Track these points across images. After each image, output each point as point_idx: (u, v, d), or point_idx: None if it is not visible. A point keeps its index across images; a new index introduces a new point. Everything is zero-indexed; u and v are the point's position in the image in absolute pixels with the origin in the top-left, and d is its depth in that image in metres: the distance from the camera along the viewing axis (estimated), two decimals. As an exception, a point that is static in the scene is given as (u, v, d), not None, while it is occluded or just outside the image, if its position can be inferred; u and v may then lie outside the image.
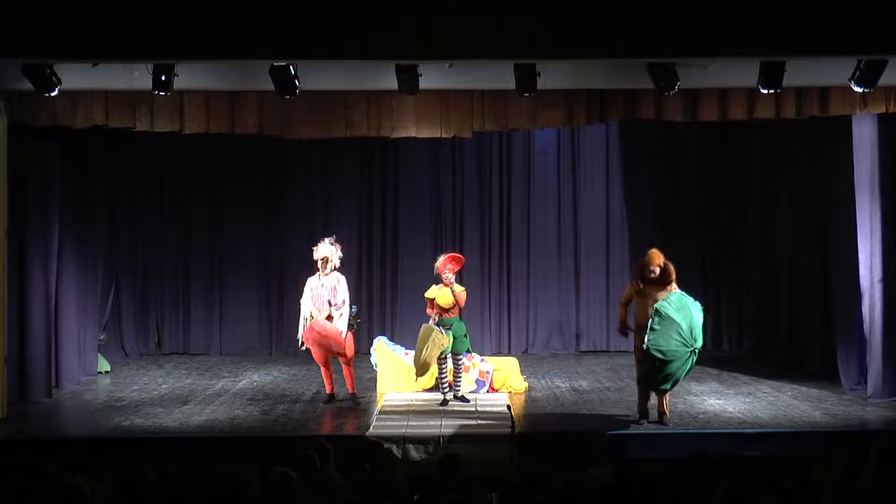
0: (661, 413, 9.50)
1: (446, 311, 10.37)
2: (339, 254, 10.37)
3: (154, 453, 8.51)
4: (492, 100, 10.31)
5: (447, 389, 10.55)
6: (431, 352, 10.27)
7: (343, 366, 10.43)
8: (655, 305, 9.21)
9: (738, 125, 11.91)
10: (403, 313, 14.07)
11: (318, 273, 10.32)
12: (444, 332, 10.33)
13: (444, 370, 10.53)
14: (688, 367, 9.30)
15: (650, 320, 9.17)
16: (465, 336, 10.56)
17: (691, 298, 9.37)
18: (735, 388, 11.38)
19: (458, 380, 10.65)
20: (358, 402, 10.45)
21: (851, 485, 5.42)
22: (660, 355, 9.11)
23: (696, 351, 9.23)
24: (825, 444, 8.61)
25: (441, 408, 10.30)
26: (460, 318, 10.68)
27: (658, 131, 13.82)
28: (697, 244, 14.41)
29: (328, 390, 10.64)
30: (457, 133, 10.62)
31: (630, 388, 10.27)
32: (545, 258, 14.48)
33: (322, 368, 10.55)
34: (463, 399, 10.55)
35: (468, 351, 10.77)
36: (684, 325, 9.10)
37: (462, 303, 10.48)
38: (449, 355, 10.45)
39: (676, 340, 9.09)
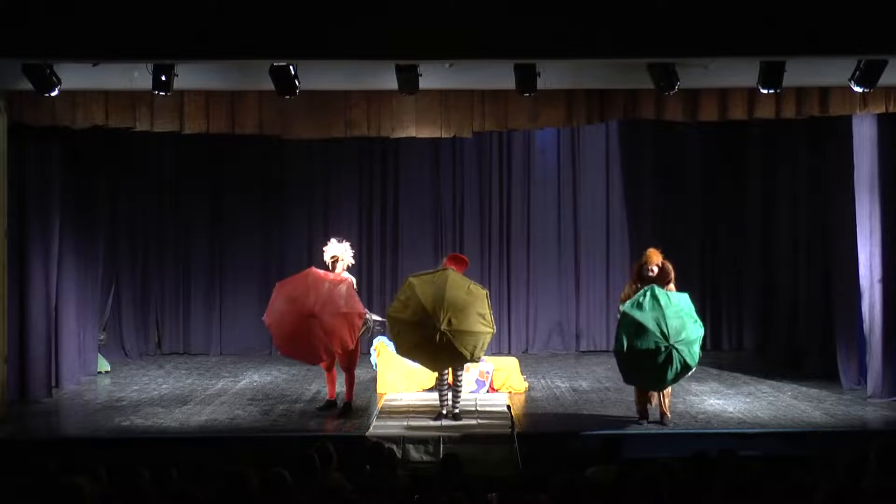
0: (662, 413, 9.50)
1: None
2: (351, 252, 10.15)
3: (154, 453, 8.55)
4: (492, 100, 10.31)
5: (448, 402, 9.79)
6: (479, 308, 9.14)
7: (343, 371, 10.23)
8: (622, 308, 9.08)
9: (738, 125, 11.92)
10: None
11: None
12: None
13: (459, 377, 9.81)
14: (671, 365, 8.90)
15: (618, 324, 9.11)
16: None
17: (678, 295, 9.13)
18: (735, 388, 11.38)
19: (459, 390, 9.91)
20: (348, 412, 10.02)
21: (851, 485, 5.42)
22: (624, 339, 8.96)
23: (679, 350, 8.84)
24: (825, 444, 8.63)
25: (436, 422, 9.60)
26: None
27: (658, 131, 13.83)
28: (697, 244, 14.42)
29: (329, 395, 10.37)
30: (457, 133, 10.62)
31: (630, 388, 10.23)
32: (545, 258, 14.49)
33: (326, 373, 10.36)
34: (457, 417, 9.69)
35: None
36: (650, 324, 8.82)
37: None
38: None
39: (650, 335, 8.85)
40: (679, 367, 8.97)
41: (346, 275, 10.07)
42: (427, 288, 9.16)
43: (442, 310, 8.99)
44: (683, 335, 8.89)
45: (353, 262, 10.22)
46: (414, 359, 9.79)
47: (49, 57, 8.93)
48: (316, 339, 9.58)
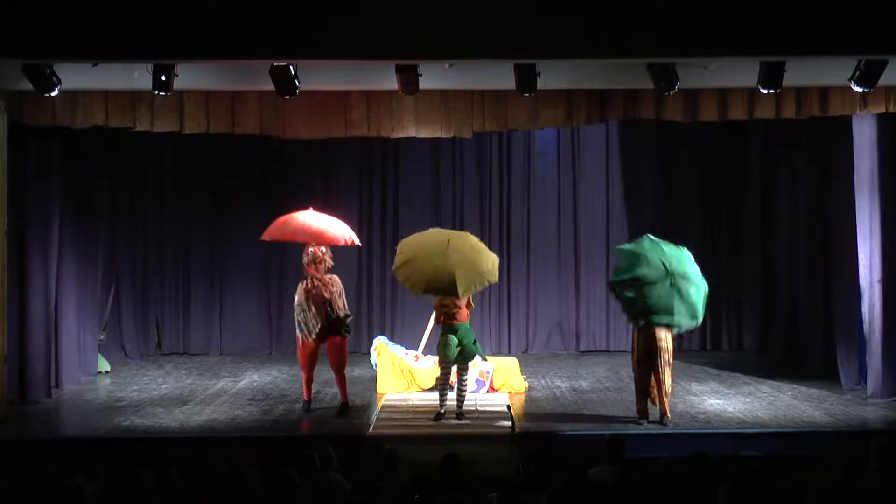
0: (662, 413, 9.51)
1: (452, 315, 9.70)
2: (330, 253, 10.19)
3: (154, 453, 8.56)
4: (492, 100, 10.32)
5: (447, 401, 9.85)
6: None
7: (334, 373, 10.22)
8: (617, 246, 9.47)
9: (738, 125, 11.92)
10: (403, 313, 14.07)
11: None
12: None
13: (464, 379, 9.88)
14: (679, 296, 9.19)
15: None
16: (475, 343, 9.88)
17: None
18: (735, 388, 11.38)
19: (464, 391, 9.95)
20: (346, 412, 10.04)
21: (851, 485, 5.42)
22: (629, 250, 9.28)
23: (678, 277, 9.17)
24: (825, 444, 8.64)
25: (436, 422, 9.72)
26: (469, 325, 9.91)
27: (658, 131, 13.83)
28: (697, 244, 14.40)
29: (305, 396, 10.31)
30: (457, 133, 10.63)
31: (630, 388, 10.26)
32: (545, 258, 14.49)
33: (304, 373, 10.20)
34: (461, 416, 9.76)
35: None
36: (648, 254, 9.21)
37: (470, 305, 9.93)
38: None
39: (650, 266, 9.14)
40: (686, 301, 9.22)
41: (329, 276, 10.11)
42: (420, 237, 9.90)
43: (445, 242, 9.56)
44: (683, 269, 9.21)
45: (331, 263, 10.22)
46: (431, 289, 9.70)
47: (49, 57, 8.94)
48: (312, 225, 10.25)
